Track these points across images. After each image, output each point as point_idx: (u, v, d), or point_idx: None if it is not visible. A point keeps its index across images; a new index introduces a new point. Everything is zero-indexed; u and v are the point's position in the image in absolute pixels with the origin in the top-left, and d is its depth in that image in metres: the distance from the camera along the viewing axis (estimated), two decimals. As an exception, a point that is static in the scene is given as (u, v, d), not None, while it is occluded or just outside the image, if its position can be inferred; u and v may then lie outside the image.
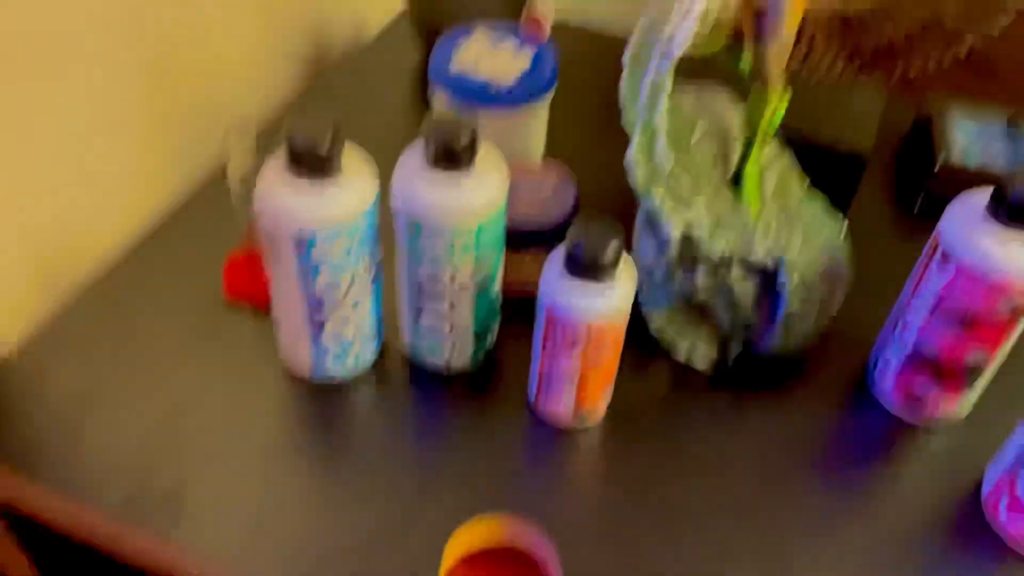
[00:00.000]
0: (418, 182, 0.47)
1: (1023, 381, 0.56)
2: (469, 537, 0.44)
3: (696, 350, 0.56)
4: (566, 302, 0.47)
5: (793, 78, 0.69)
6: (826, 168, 0.67)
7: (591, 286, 0.46)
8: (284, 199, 0.45)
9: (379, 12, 0.89)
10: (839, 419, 0.55)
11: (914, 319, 0.51)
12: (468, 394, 0.55)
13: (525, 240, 0.58)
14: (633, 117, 0.46)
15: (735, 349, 0.56)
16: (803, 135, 0.67)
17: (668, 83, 0.45)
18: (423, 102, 0.77)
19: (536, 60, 0.63)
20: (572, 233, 0.46)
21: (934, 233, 0.49)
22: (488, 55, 0.62)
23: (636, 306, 0.59)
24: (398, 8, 0.88)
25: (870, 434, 0.54)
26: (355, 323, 0.51)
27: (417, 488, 0.50)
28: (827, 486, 0.51)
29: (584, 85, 0.79)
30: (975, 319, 0.48)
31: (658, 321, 0.57)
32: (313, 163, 0.44)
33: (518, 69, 0.62)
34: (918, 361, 0.51)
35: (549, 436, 0.53)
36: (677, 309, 0.58)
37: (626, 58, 0.47)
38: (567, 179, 0.60)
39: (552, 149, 0.70)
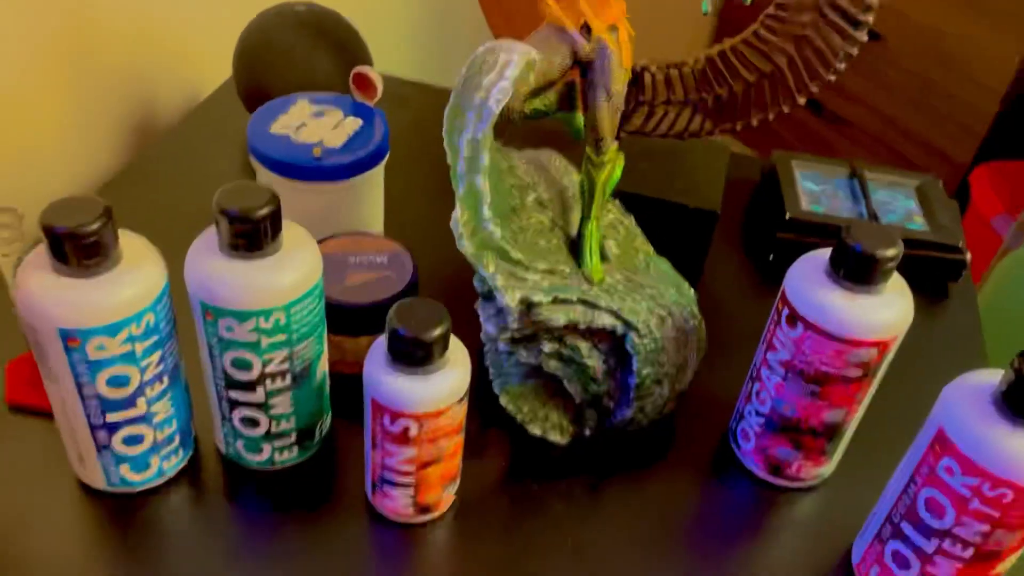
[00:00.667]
0: (214, 264, 0.41)
1: (885, 438, 0.55)
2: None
3: (551, 424, 0.52)
4: (392, 393, 0.41)
5: (638, 136, 0.67)
6: (678, 226, 0.65)
7: (418, 373, 0.41)
8: (47, 294, 0.38)
9: (209, 78, 0.84)
10: (703, 490, 0.52)
11: (768, 382, 0.48)
12: (297, 495, 0.48)
13: (359, 319, 0.52)
14: (453, 178, 0.42)
15: (590, 419, 0.52)
16: (651, 195, 0.65)
17: (487, 142, 0.41)
18: (252, 174, 0.71)
19: (364, 128, 0.58)
20: (392, 318, 0.41)
21: (780, 293, 0.46)
22: (312, 125, 0.58)
23: (486, 381, 0.55)
24: (228, 73, 0.83)
25: (736, 503, 0.51)
26: (153, 425, 0.44)
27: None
28: (693, 564, 0.47)
29: (427, 145, 0.76)
30: (827, 379, 0.45)
31: (508, 397, 0.53)
32: (80, 251, 0.38)
33: (343, 138, 0.57)
34: (776, 424, 0.49)
35: (389, 536, 0.47)
36: (528, 383, 0.53)
37: (445, 116, 0.43)
38: (403, 251, 0.56)
39: (392, 217, 0.65)
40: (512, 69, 0.41)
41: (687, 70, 0.64)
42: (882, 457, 0.52)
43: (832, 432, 0.48)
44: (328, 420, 0.50)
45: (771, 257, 0.68)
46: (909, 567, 0.42)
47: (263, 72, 0.69)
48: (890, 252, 0.42)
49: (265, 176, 0.57)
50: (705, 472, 0.53)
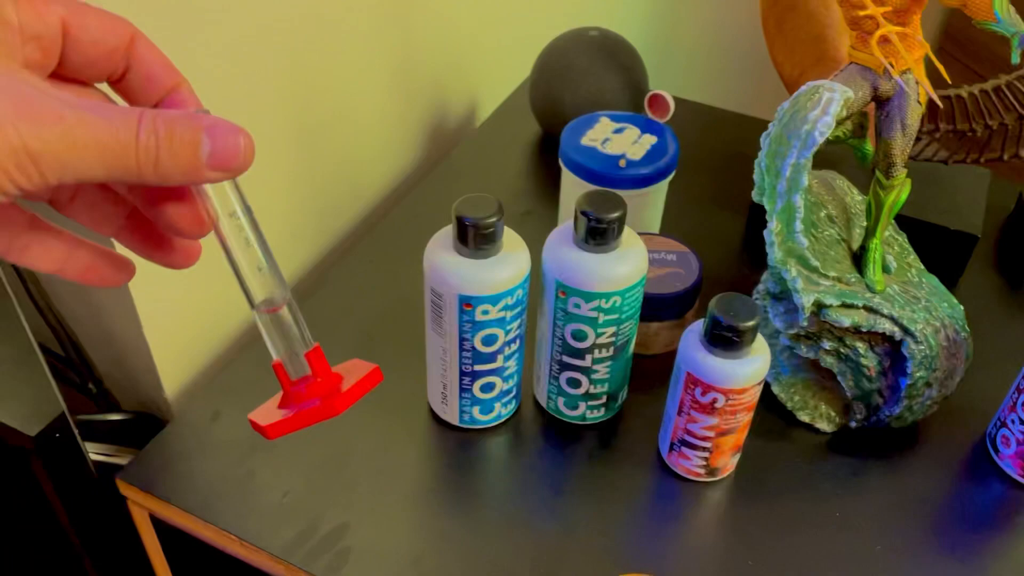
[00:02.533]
0: (570, 254, 0.52)
1: None
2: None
3: (819, 414, 0.59)
4: (708, 369, 0.50)
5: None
6: (937, 247, 0.70)
7: (731, 356, 0.50)
8: (452, 268, 0.50)
9: (498, 87, 0.96)
10: (958, 486, 0.57)
11: (1038, 393, 0.53)
12: (601, 446, 0.58)
13: (652, 307, 0.62)
14: (770, 195, 0.50)
15: (858, 413, 0.58)
16: (913, 215, 0.70)
17: (808, 167, 0.49)
18: (542, 174, 0.82)
19: (659, 143, 0.67)
20: (714, 308, 0.49)
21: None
22: (615, 140, 0.67)
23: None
24: (517, 82, 0.94)
25: (990, 501, 0.56)
26: (503, 377, 0.56)
27: (560, 534, 0.53)
28: (946, 549, 0.53)
29: (693, 157, 0.84)
30: (1101, 395, 0.50)
31: (780, 386, 0.61)
32: (479, 237, 0.49)
33: (642, 152, 0.66)
34: (1041, 434, 0.53)
35: (678, 489, 0.56)
36: (798, 375, 0.61)
37: (765, 142, 0.51)
38: (689, 251, 0.64)
39: (666, 219, 0.74)
40: (835, 106, 0.48)
41: (956, 100, 0.69)
42: None
43: (1098, 445, 0.52)
44: (626, 389, 0.60)
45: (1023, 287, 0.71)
46: None
47: (559, 87, 0.80)
48: None
49: (571, 181, 0.68)
50: (960, 470, 0.58)
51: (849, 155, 0.72)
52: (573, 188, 0.69)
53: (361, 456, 0.57)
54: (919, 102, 0.54)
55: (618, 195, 0.51)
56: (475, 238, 0.50)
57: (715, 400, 0.51)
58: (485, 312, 0.51)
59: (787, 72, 0.71)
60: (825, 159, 0.69)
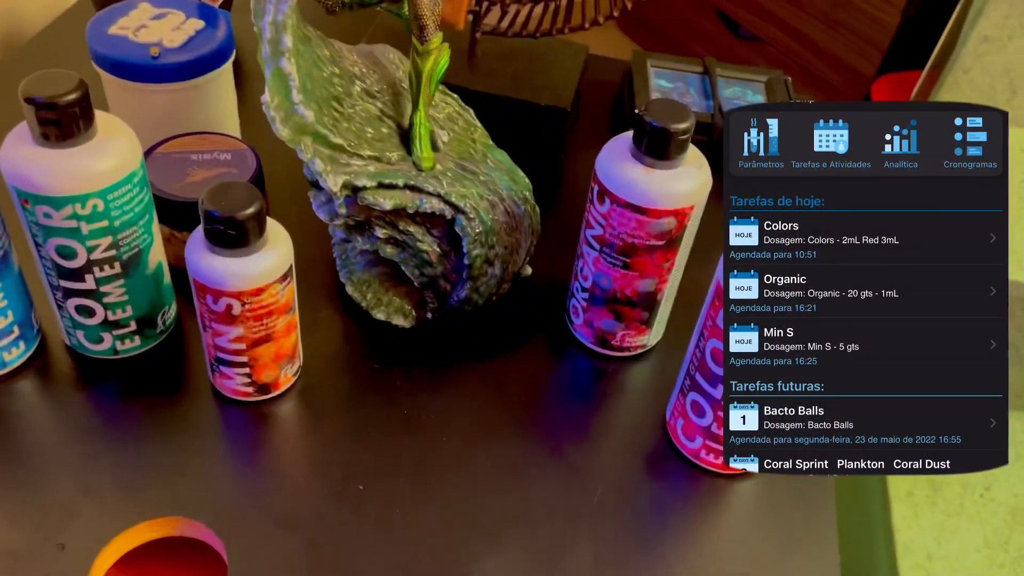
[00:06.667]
0: (27, 151, 0.42)
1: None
2: (129, 538, 0.40)
3: (394, 308, 0.55)
4: (210, 272, 0.43)
5: (496, 36, 0.68)
6: (532, 125, 0.67)
7: (236, 254, 0.43)
8: None
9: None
10: (541, 365, 0.55)
11: (588, 257, 0.51)
12: (144, 381, 0.50)
13: (191, 214, 0.54)
14: (260, 62, 0.43)
15: (430, 302, 0.54)
16: (506, 94, 0.67)
17: (288, 25, 0.42)
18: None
19: (206, 29, 0.59)
20: (204, 200, 0.42)
21: (592, 173, 0.49)
22: (152, 26, 0.58)
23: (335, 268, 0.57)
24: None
25: (569, 375, 0.55)
26: (-18, 316, 0.46)
27: (76, 491, 0.45)
28: (524, 428, 0.51)
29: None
30: (635, 250, 0.48)
31: (353, 285, 0.55)
32: None
33: (184, 38, 0.57)
34: (598, 297, 0.52)
35: (233, 415, 0.49)
36: (372, 271, 0.56)
37: (252, 1, 0.44)
38: (247, 148, 0.57)
39: (251, 119, 0.66)
40: (310, -48, 0.42)
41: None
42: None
43: (648, 302, 0.51)
44: (172, 310, 0.52)
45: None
46: (704, 415, 0.46)
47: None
48: (682, 126, 0.45)
49: (107, 79, 0.58)
50: (545, 348, 0.56)
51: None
52: (112, 88, 0.58)
53: None
54: (442, -45, 0.49)
55: (72, 74, 0.42)
56: None
57: (230, 307, 0.44)
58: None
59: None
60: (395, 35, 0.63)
